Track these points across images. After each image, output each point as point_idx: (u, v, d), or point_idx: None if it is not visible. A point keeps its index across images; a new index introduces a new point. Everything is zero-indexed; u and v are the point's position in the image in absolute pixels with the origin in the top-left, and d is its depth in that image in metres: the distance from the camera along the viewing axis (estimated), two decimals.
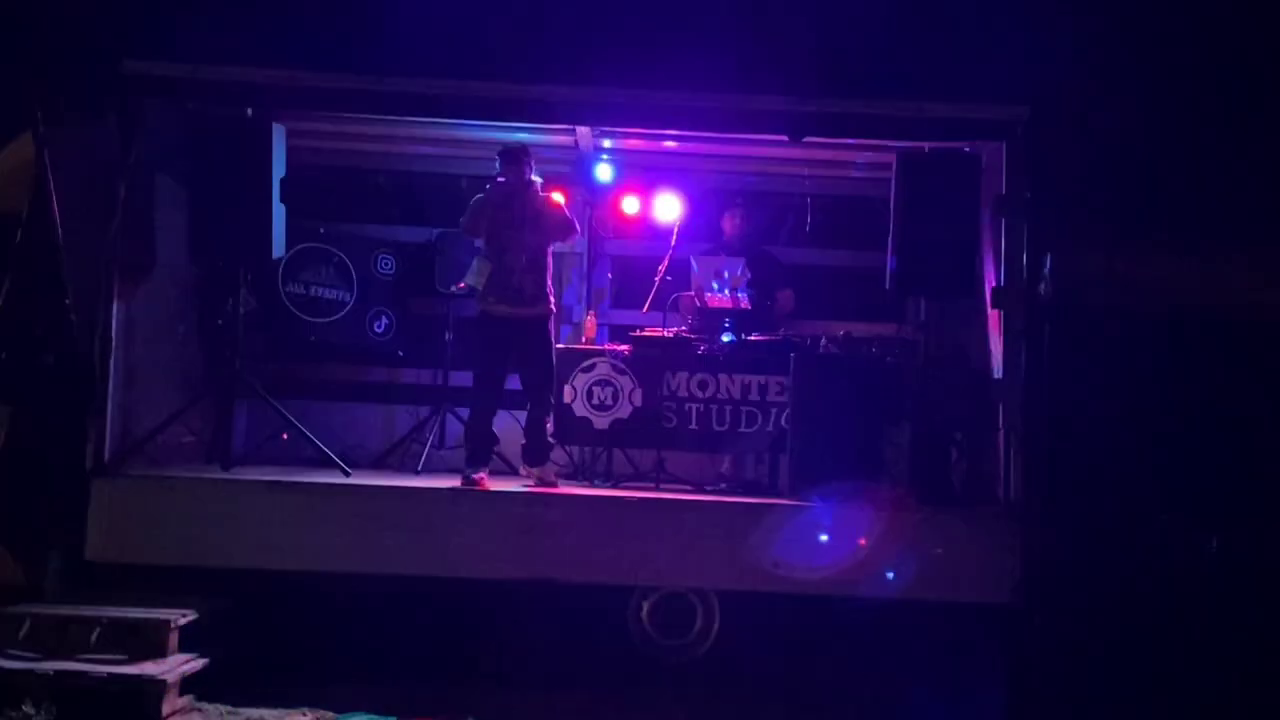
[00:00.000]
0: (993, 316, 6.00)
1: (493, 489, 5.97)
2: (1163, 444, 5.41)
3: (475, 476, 5.99)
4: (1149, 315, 5.44)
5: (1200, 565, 5.29)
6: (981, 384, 6.06)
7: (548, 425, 6.37)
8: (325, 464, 6.31)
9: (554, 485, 6.16)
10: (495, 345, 6.19)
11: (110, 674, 4.84)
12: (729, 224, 7.27)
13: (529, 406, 6.30)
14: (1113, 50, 5.55)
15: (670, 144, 7.00)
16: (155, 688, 4.81)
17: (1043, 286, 5.55)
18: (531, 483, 6.18)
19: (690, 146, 7.01)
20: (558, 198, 6.33)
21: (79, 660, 4.93)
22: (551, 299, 6.32)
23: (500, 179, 6.16)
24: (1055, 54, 5.70)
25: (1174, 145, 5.63)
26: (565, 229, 6.25)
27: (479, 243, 6.30)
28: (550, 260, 6.30)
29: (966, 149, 6.05)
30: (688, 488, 6.40)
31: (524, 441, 6.31)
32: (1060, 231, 5.53)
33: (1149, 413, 5.41)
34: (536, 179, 6.28)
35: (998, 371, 5.92)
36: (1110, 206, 5.49)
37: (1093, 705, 5.10)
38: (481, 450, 6.15)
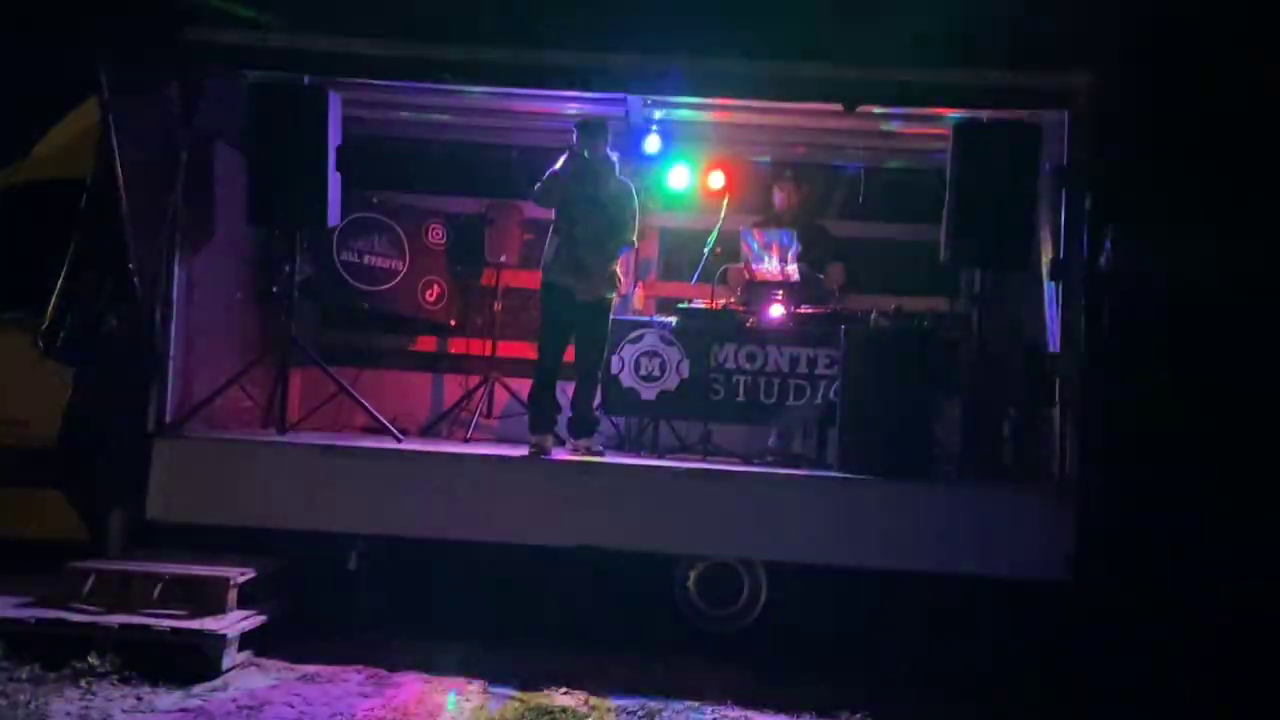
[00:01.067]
0: (1050, 290, 5.93)
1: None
2: (1220, 422, 5.32)
3: (539, 442, 6.05)
4: (1211, 291, 5.35)
5: (1253, 544, 5.21)
6: (1036, 358, 6.00)
7: (594, 400, 6.38)
8: (378, 430, 6.39)
9: (600, 457, 6.18)
10: (558, 316, 6.22)
11: (173, 628, 4.94)
12: (780, 196, 7.24)
13: (577, 381, 6.32)
14: (1182, 18, 5.41)
15: (721, 115, 6.96)
16: (216, 642, 4.91)
17: (1104, 260, 5.47)
18: (577, 455, 6.19)
19: (741, 118, 6.96)
20: (632, 191, 6.31)
21: (142, 614, 5.03)
22: (619, 281, 6.31)
23: (576, 152, 6.15)
24: (1120, 19, 5.55)
25: (1238, 118, 5.51)
26: (624, 231, 6.22)
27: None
28: (622, 240, 6.28)
29: (1026, 118, 5.96)
30: (734, 459, 6.41)
31: (570, 414, 6.32)
32: (1123, 204, 5.43)
33: (1208, 391, 5.33)
34: (614, 156, 6.27)
35: (1054, 345, 5.86)
36: (1174, 179, 5.37)
37: (1146, 681, 5.06)
38: (545, 417, 6.18)
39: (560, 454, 6.16)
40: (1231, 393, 5.37)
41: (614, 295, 6.32)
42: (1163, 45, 5.43)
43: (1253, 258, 5.35)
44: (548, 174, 6.20)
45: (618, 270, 6.31)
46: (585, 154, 6.16)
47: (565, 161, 6.18)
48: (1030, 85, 5.72)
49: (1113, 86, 5.43)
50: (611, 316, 6.37)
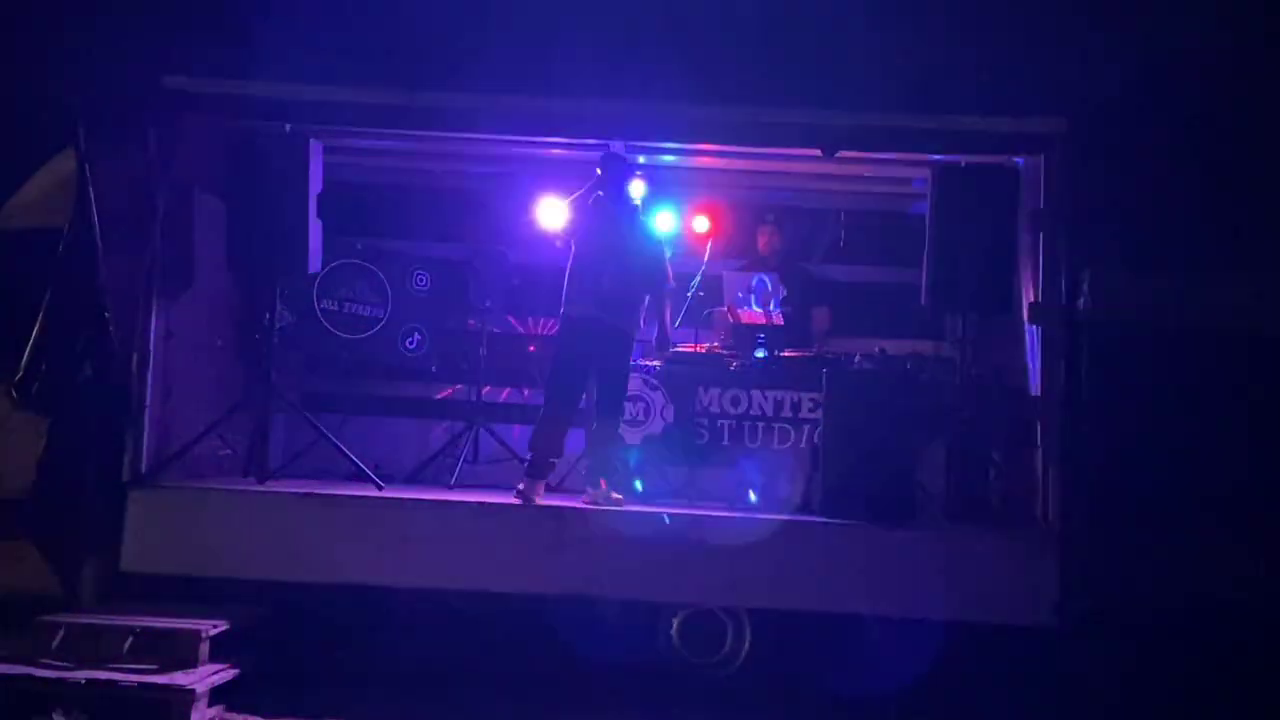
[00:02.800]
0: (1030, 333, 5.92)
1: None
2: (1203, 462, 5.30)
3: (529, 489, 5.92)
4: (1188, 332, 5.34)
5: (1242, 583, 5.17)
6: (1019, 401, 5.98)
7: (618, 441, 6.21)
8: (360, 478, 6.34)
9: (619, 503, 5.98)
10: (574, 353, 6.04)
11: (141, 683, 4.87)
12: (763, 239, 7.26)
13: (599, 421, 6.13)
14: (1153, 64, 5.47)
15: (704, 159, 6.99)
16: (184, 697, 4.83)
17: (1081, 302, 5.48)
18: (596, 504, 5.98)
19: (724, 162, 7.00)
20: (663, 231, 6.28)
21: (110, 669, 4.96)
22: (640, 317, 6.19)
23: (596, 186, 6.09)
24: (1095, 67, 5.62)
25: (1216, 161, 5.54)
26: (658, 280, 6.14)
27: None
28: (643, 277, 6.17)
29: (1004, 163, 5.99)
30: (719, 504, 6.36)
31: (589, 461, 6.17)
32: (1099, 247, 5.46)
33: (1189, 431, 5.31)
34: (637, 195, 6.21)
35: (1035, 389, 5.84)
36: (1150, 221, 5.40)
37: None
38: (546, 463, 6.04)
39: (572, 502, 6.01)
40: (1214, 433, 5.34)
41: (634, 326, 6.17)
42: (1136, 90, 5.48)
43: (1229, 299, 5.35)
44: (569, 204, 6.10)
45: (636, 304, 6.15)
46: (604, 191, 6.09)
47: (585, 197, 6.10)
48: (1006, 131, 5.78)
49: (1087, 131, 5.48)
50: (630, 351, 6.21)
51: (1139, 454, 5.31)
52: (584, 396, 6.21)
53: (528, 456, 6.11)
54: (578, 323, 6.03)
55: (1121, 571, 5.23)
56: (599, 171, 6.12)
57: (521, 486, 5.97)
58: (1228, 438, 5.34)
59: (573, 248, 6.15)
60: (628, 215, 6.17)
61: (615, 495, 6.04)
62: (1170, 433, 5.30)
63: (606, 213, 6.09)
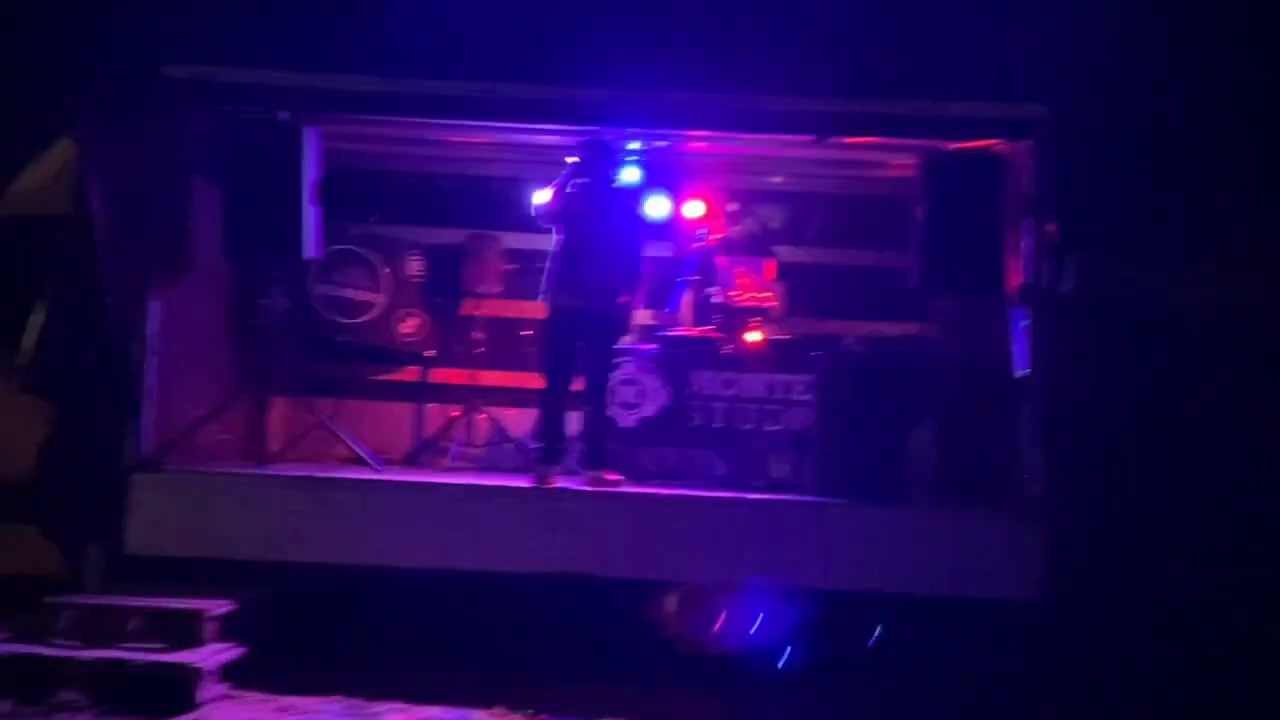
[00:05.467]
0: (1017, 315, 6.02)
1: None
2: (1184, 442, 5.41)
3: (545, 473, 6.02)
4: (1173, 314, 5.45)
5: (1220, 560, 5.29)
6: (1006, 382, 6.08)
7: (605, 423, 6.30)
8: (357, 461, 6.43)
9: (618, 483, 6.08)
10: (564, 340, 6.16)
11: (148, 661, 4.97)
12: (754, 223, 7.32)
13: (588, 405, 6.23)
14: (1139, 48, 5.55)
15: (697, 144, 7.06)
16: (192, 675, 4.93)
17: (1066, 285, 5.58)
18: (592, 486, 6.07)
19: (717, 147, 7.06)
20: (656, 214, 6.38)
21: (118, 649, 5.06)
22: (629, 298, 6.27)
23: (581, 172, 6.16)
24: (1081, 52, 5.69)
25: (1199, 145, 5.64)
26: (633, 264, 6.21)
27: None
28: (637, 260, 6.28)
29: (991, 148, 6.07)
30: (713, 485, 6.46)
31: (584, 445, 6.26)
32: (1084, 230, 5.55)
33: (1171, 411, 5.42)
34: (625, 175, 6.29)
35: (1022, 369, 5.94)
36: (1134, 205, 5.50)
37: (1114, 699, 5.12)
38: (556, 448, 6.15)
39: (572, 483, 6.10)
40: (1197, 414, 5.45)
41: (622, 309, 6.27)
42: (1122, 74, 5.56)
43: (1210, 282, 5.46)
44: (554, 190, 6.17)
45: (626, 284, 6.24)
46: (589, 176, 6.17)
47: (571, 181, 6.17)
48: (993, 117, 5.86)
49: (1073, 116, 5.56)
50: (618, 335, 6.30)
51: (1122, 433, 5.43)
52: (577, 380, 6.29)
53: (538, 445, 6.21)
54: (565, 313, 6.14)
55: (1104, 547, 5.35)
56: (583, 156, 6.19)
57: (539, 472, 6.06)
58: (1210, 418, 5.45)
59: (558, 234, 6.23)
60: (614, 200, 6.24)
61: (610, 475, 6.14)
62: (1153, 412, 5.41)
63: (592, 198, 6.17)
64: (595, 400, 6.24)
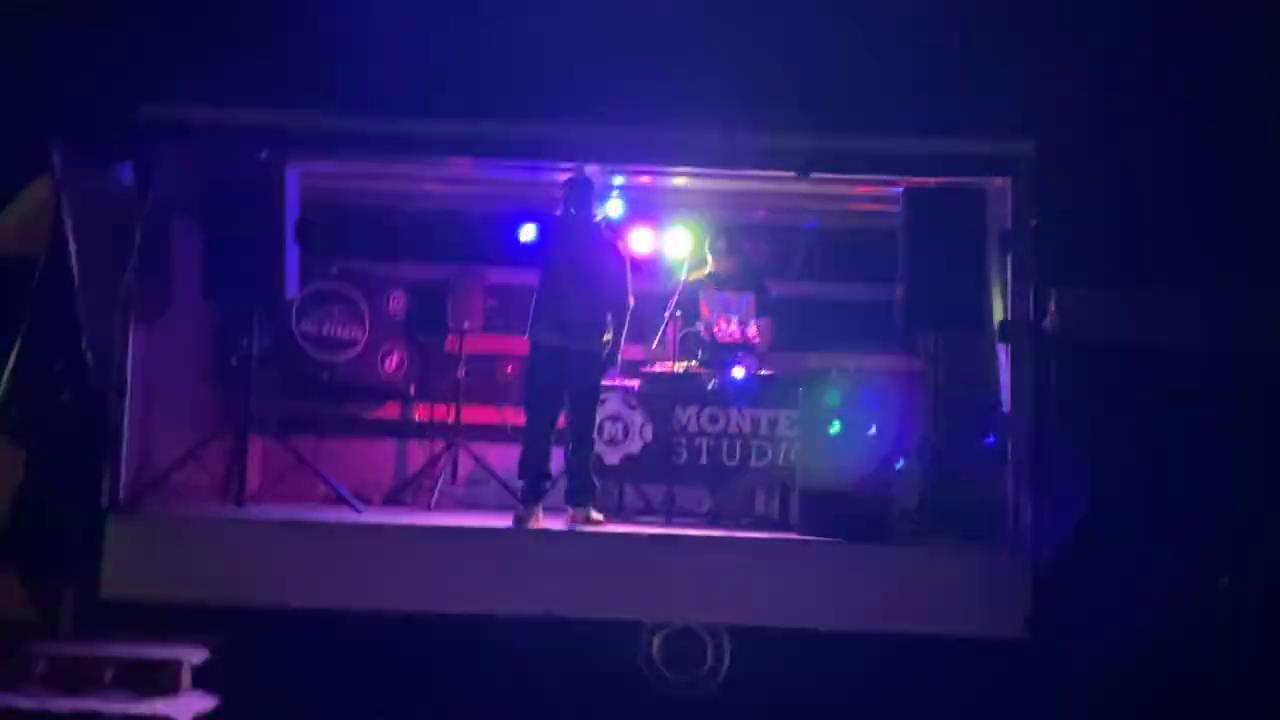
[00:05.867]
0: (1001, 350, 6.01)
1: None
2: (1170, 477, 5.41)
3: (527, 514, 5.98)
4: (1156, 350, 5.46)
5: (1211, 599, 5.27)
6: (990, 417, 6.06)
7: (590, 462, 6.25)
8: (339, 501, 6.37)
9: (600, 523, 6.06)
10: (546, 378, 6.13)
11: (124, 713, 4.89)
12: (738, 258, 7.28)
13: (571, 444, 6.19)
14: (1118, 87, 5.59)
15: (679, 180, 7.05)
16: None
17: (1048, 320, 5.58)
18: (576, 525, 6.05)
19: (700, 183, 7.05)
20: (621, 255, 6.33)
21: (94, 697, 4.98)
22: (606, 337, 6.25)
23: (561, 211, 6.19)
24: (1061, 90, 5.74)
25: (1181, 181, 5.66)
26: (618, 299, 6.19)
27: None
28: (612, 298, 6.24)
29: (973, 183, 6.08)
30: (698, 522, 6.41)
31: (567, 481, 6.21)
32: (1065, 265, 5.57)
33: (1156, 446, 5.42)
34: (602, 216, 6.29)
35: (1006, 405, 5.93)
36: (1115, 241, 5.52)
37: None
38: (537, 488, 6.10)
39: (555, 523, 6.06)
40: (1180, 448, 5.44)
41: (601, 348, 6.22)
42: (1104, 110, 5.58)
43: (1191, 317, 5.47)
44: (532, 226, 6.26)
45: (608, 336, 6.23)
46: (571, 212, 6.18)
47: (549, 220, 6.22)
48: (972, 154, 5.87)
49: (1053, 153, 5.58)
50: (599, 373, 6.26)
51: (1108, 469, 5.41)
52: (561, 416, 6.25)
53: (520, 483, 6.17)
54: (544, 350, 6.13)
55: (1092, 585, 5.32)
56: (563, 193, 6.21)
57: (519, 513, 6.02)
58: (1195, 453, 5.44)
59: (540, 271, 6.23)
60: (592, 236, 6.24)
61: (595, 515, 6.09)
62: (1139, 448, 5.40)
63: (571, 235, 6.17)
64: (579, 438, 6.20)
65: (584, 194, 6.21)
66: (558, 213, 6.23)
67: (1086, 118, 5.60)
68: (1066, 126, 5.65)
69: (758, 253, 7.42)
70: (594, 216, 6.28)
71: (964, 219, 5.97)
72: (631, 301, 6.36)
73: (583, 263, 6.14)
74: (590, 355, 6.17)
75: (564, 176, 6.37)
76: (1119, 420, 5.44)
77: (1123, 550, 5.35)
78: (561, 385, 6.14)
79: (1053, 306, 5.55)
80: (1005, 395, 5.92)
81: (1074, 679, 5.25)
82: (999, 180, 5.95)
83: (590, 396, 6.21)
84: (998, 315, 6.02)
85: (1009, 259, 5.88)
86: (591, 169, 6.69)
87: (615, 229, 6.59)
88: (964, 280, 5.96)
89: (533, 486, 6.09)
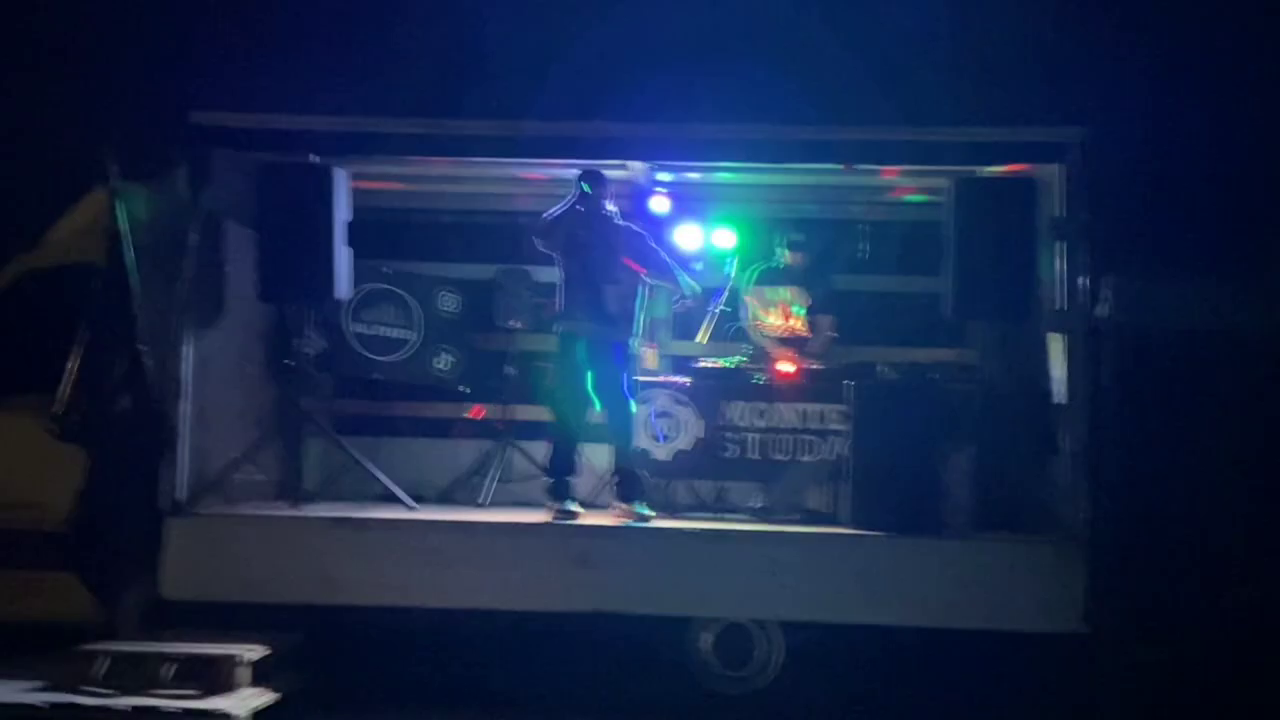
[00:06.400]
0: (1053, 340, 5.92)
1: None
2: (1228, 468, 5.30)
3: (560, 508, 6.05)
4: (1210, 337, 5.35)
5: (1269, 584, 5.15)
6: (1044, 408, 5.97)
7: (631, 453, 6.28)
8: (393, 499, 6.43)
9: (649, 519, 6.07)
10: (569, 367, 6.22)
11: (184, 709, 4.98)
12: (789, 257, 7.23)
13: (611, 436, 6.28)
14: (1170, 72, 5.49)
15: (725, 175, 7.03)
16: None
17: (1102, 309, 5.48)
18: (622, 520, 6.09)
19: (746, 177, 7.02)
20: (641, 234, 6.40)
21: (154, 695, 5.08)
22: (625, 324, 6.31)
23: (577, 202, 6.24)
24: (1113, 76, 5.66)
25: (1235, 166, 5.54)
26: (645, 262, 6.26)
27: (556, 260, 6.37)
28: (630, 287, 6.33)
29: (1023, 172, 5.99)
30: (749, 518, 6.40)
31: (615, 478, 6.28)
32: (1119, 254, 5.46)
33: (1214, 436, 5.30)
34: (612, 207, 6.34)
35: (1060, 396, 5.84)
36: (1168, 228, 5.41)
37: None
38: (564, 482, 6.19)
39: (602, 518, 6.11)
40: (1238, 439, 5.33)
41: (619, 334, 6.29)
42: (1156, 95, 5.48)
43: (1248, 305, 5.35)
44: (545, 218, 6.29)
45: (637, 316, 6.31)
46: (583, 203, 6.24)
47: (562, 209, 6.26)
48: (1023, 142, 5.79)
49: (1103, 141, 5.48)
50: (622, 359, 6.29)
51: (1164, 460, 5.31)
52: (589, 410, 6.31)
53: (548, 480, 6.23)
54: (569, 339, 6.22)
55: (1149, 577, 5.23)
56: (578, 186, 6.24)
57: (551, 506, 6.08)
58: (1251, 443, 5.33)
59: (558, 265, 6.31)
60: (605, 227, 6.27)
61: (642, 511, 6.10)
62: (1195, 438, 5.29)
63: (585, 227, 6.22)
64: (616, 433, 6.25)
65: (595, 184, 6.24)
66: (568, 208, 6.26)
67: (1138, 103, 5.50)
68: (1118, 112, 5.55)
69: (805, 247, 7.35)
70: (605, 208, 6.30)
71: (1014, 208, 5.87)
72: (690, 287, 6.39)
73: (595, 252, 6.20)
74: (613, 344, 6.22)
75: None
76: (1174, 409, 5.33)
77: (1181, 540, 5.24)
78: (582, 376, 6.20)
79: (1107, 295, 5.45)
80: (1059, 386, 5.84)
81: (1133, 672, 5.15)
82: (1050, 168, 5.85)
83: (614, 384, 6.21)
84: (1049, 305, 5.93)
85: (1061, 248, 5.79)
86: (637, 166, 6.74)
87: (627, 218, 6.60)
88: (1014, 270, 5.86)
89: (561, 482, 6.15)
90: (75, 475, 5.74)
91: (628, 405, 6.28)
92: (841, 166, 6.16)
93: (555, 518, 6.02)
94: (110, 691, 5.10)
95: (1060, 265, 5.80)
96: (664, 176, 7.11)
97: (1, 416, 6.02)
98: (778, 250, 7.06)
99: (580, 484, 6.44)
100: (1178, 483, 5.31)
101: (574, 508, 6.09)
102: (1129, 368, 5.41)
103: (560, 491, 6.16)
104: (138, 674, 5.18)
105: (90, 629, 5.54)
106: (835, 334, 6.95)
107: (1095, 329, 5.51)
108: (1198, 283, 5.42)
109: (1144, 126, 5.54)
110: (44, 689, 5.16)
